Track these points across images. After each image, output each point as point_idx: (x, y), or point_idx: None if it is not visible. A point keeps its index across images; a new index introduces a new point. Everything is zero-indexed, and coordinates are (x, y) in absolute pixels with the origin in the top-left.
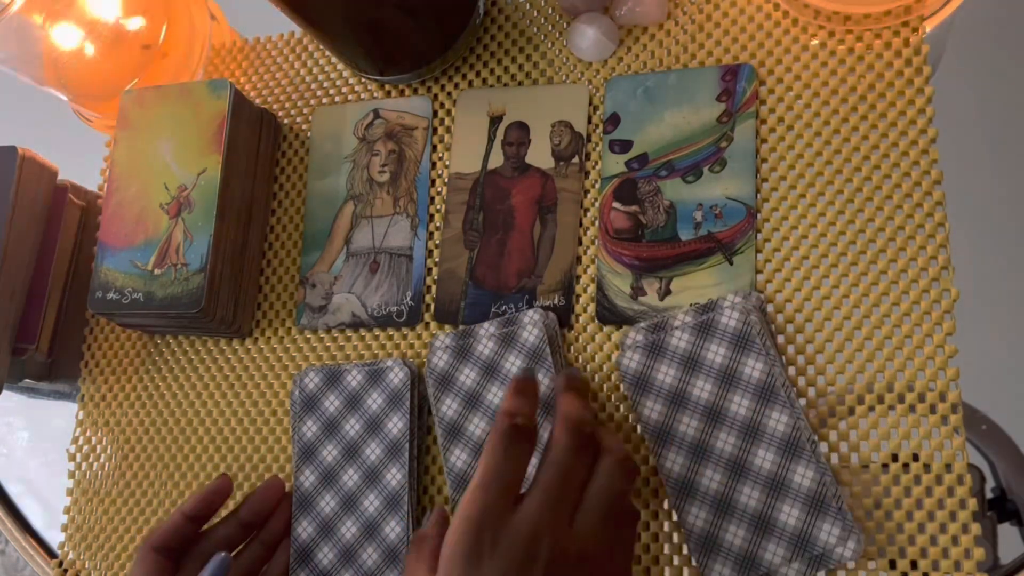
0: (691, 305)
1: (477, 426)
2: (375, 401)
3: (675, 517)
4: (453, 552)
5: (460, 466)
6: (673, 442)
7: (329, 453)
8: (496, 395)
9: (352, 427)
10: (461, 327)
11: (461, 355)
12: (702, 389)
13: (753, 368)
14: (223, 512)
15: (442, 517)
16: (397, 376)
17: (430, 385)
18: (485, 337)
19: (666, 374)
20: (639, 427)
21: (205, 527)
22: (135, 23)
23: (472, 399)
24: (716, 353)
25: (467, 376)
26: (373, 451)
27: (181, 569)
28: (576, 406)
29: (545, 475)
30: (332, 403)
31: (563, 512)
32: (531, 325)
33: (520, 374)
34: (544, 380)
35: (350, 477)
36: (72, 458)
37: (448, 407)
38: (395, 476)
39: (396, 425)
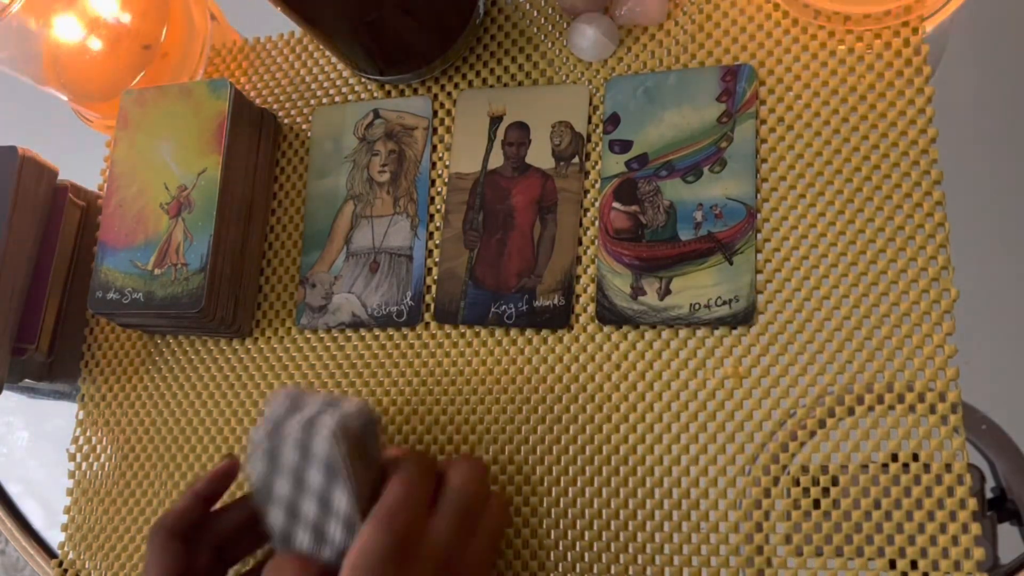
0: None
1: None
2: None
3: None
4: None
5: None
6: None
7: (281, 487)
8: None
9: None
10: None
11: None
12: (308, 509)
13: (340, 499)
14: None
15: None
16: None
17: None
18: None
19: (282, 487)
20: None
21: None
22: (135, 23)
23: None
24: (315, 474)
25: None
26: (314, 476)
27: (192, 553)
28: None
29: (450, 502)
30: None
31: (468, 535)
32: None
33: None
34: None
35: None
36: (72, 458)
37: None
38: (341, 500)
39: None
